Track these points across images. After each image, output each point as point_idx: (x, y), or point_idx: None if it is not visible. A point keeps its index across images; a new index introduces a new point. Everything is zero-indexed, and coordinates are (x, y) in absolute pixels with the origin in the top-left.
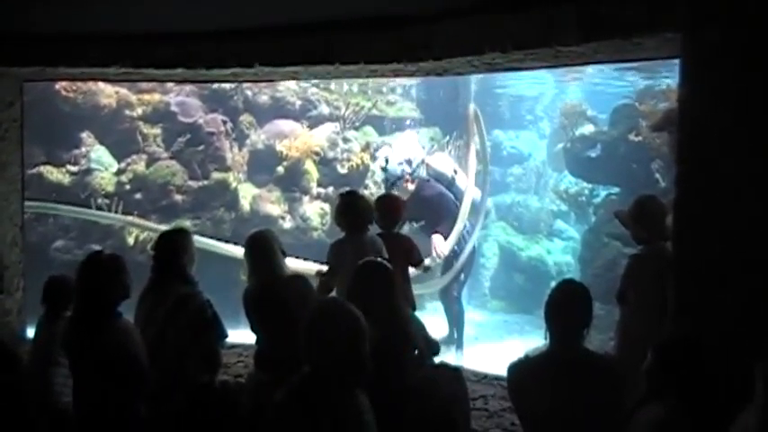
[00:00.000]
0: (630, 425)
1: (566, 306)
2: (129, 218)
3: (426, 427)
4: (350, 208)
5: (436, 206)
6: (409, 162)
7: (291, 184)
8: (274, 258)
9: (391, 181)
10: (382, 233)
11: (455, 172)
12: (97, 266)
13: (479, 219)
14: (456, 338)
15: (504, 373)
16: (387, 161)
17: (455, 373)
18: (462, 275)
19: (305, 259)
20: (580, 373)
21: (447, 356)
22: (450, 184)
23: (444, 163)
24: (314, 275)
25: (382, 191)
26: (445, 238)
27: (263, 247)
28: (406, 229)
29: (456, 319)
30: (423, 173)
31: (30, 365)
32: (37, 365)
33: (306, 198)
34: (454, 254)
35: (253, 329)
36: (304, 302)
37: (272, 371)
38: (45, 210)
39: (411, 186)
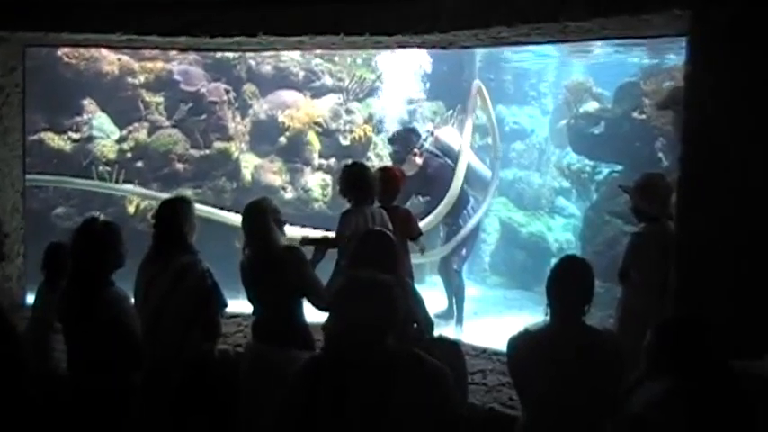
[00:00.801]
0: (628, 402)
1: (567, 281)
2: (131, 187)
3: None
4: (359, 179)
5: (442, 183)
6: (417, 134)
7: (293, 154)
8: (269, 228)
9: (399, 155)
10: (382, 206)
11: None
12: (91, 234)
13: (487, 197)
14: (455, 313)
15: (503, 348)
16: (393, 135)
17: (453, 346)
18: (464, 251)
19: (314, 228)
20: (580, 348)
21: (446, 331)
22: (457, 158)
23: (453, 137)
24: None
25: (384, 163)
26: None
27: (257, 217)
28: (409, 204)
29: (456, 294)
30: (431, 146)
31: (29, 332)
32: (36, 332)
33: (308, 169)
34: (457, 227)
35: (249, 299)
36: (298, 273)
37: (267, 341)
38: (51, 183)
39: (419, 160)
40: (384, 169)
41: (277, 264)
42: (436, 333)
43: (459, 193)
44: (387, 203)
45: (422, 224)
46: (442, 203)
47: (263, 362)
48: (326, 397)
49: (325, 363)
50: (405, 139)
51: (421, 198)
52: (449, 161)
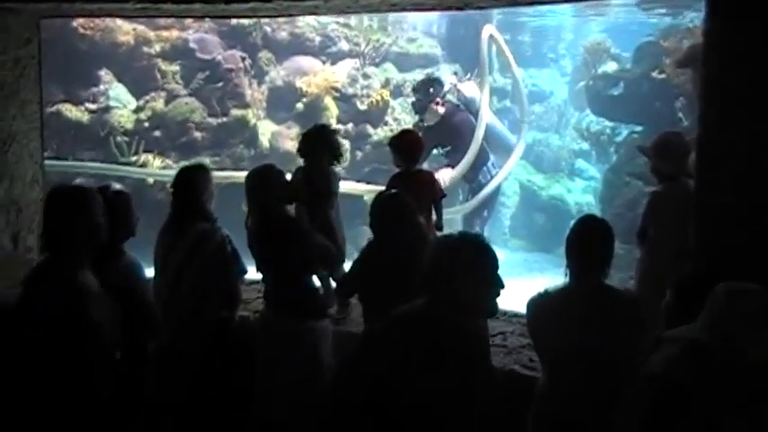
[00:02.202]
0: (646, 362)
1: (587, 241)
2: (151, 170)
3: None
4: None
5: (464, 134)
6: (440, 83)
7: (311, 120)
8: (270, 198)
9: (421, 103)
10: (404, 170)
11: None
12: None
13: (511, 159)
14: None
15: (523, 310)
16: (416, 84)
17: None
18: (486, 212)
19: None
20: (600, 308)
21: None
22: (477, 112)
23: (474, 91)
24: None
25: (402, 126)
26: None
27: (258, 185)
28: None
29: None
30: (453, 98)
31: None
32: None
33: None
34: (479, 185)
35: (257, 269)
36: (299, 246)
37: (279, 311)
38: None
39: (441, 109)
40: (403, 134)
41: (277, 236)
42: None
43: (479, 150)
44: (409, 167)
45: (448, 177)
46: (466, 158)
47: (275, 332)
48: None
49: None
50: (427, 88)
51: (441, 150)
52: (470, 115)
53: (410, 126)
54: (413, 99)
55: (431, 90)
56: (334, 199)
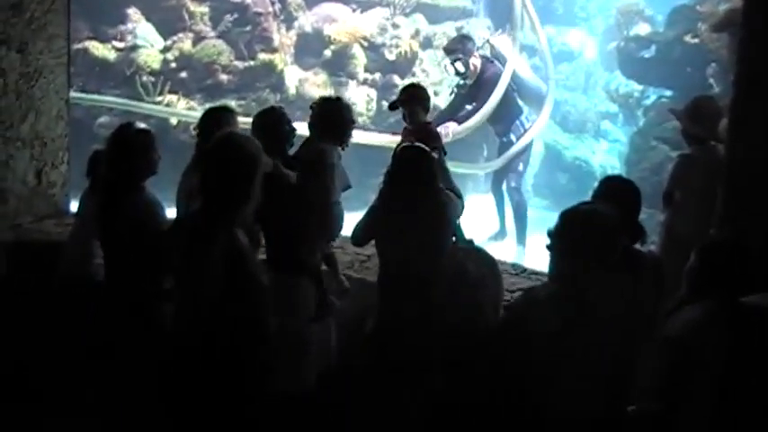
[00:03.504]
0: (667, 324)
1: (612, 199)
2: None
3: (452, 311)
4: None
5: (495, 89)
6: (472, 39)
7: (338, 68)
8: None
9: (463, 60)
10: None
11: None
12: (124, 140)
13: (543, 112)
14: (516, 232)
15: (542, 268)
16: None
17: (486, 258)
18: (521, 166)
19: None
20: (623, 267)
21: (505, 250)
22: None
23: (507, 45)
24: None
25: (429, 79)
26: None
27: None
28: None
29: (516, 211)
30: (487, 53)
31: (72, 239)
32: (78, 239)
33: (352, 83)
34: (508, 140)
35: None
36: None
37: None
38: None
39: (476, 61)
40: (408, 86)
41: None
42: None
43: (509, 103)
44: (413, 119)
45: (451, 131)
46: (476, 116)
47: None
48: None
49: None
50: (465, 44)
51: (469, 107)
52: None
53: (447, 83)
54: (449, 60)
55: (468, 46)
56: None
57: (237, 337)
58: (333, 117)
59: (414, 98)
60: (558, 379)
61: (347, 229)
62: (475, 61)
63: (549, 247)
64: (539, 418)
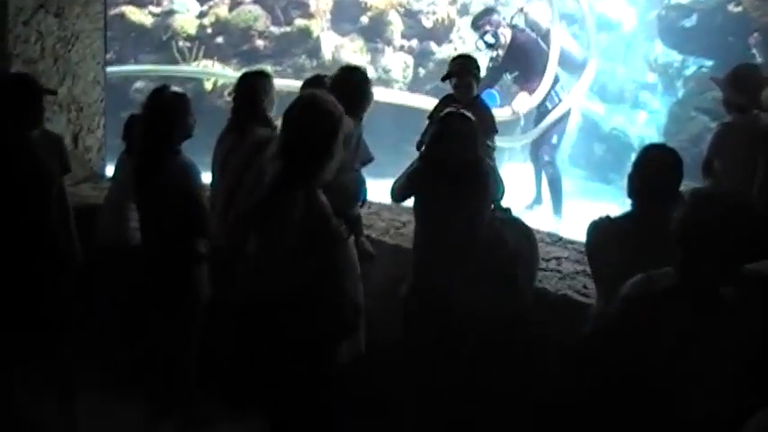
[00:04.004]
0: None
1: (653, 168)
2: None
3: (487, 278)
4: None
5: (531, 57)
6: (497, 10)
7: (375, 34)
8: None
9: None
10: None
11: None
12: (160, 103)
13: (581, 81)
14: (552, 204)
15: (578, 237)
16: (477, 19)
17: (523, 228)
18: (555, 138)
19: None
20: (662, 236)
21: (542, 220)
22: (544, 36)
23: (542, 14)
24: None
25: (466, 46)
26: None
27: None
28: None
29: (551, 185)
30: (521, 22)
31: (108, 203)
32: (114, 203)
33: (389, 50)
34: (545, 110)
35: None
36: None
37: None
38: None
39: (505, 31)
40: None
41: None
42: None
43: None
44: (465, 94)
45: (525, 105)
46: (543, 85)
47: None
48: None
49: None
50: (489, 18)
51: (508, 74)
52: (538, 38)
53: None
54: (478, 36)
55: (494, 18)
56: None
57: (320, 297)
58: (349, 87)
59: (466, 70)
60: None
61: (382, 195)
62: (504, 31)
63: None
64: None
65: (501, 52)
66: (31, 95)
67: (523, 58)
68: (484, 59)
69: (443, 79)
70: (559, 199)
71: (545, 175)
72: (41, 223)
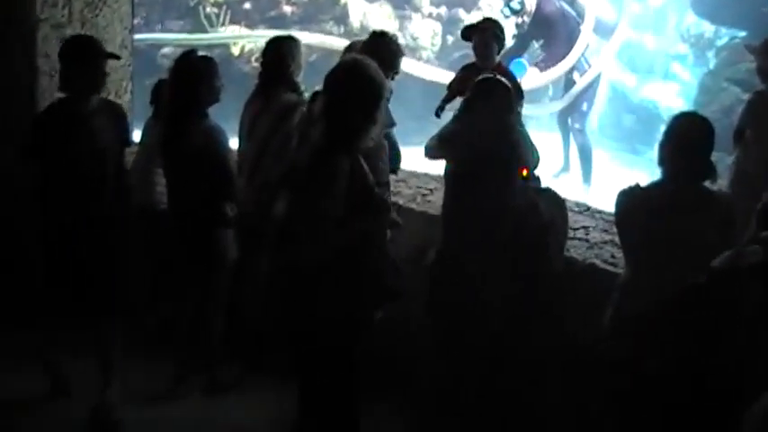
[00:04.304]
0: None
1: (685, 136)
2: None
3: (519, 247)
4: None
5: (557, 23)
6: None
7: (403, 1)
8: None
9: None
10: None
11: None
12: (187, 67)
13: (610, 44)
14: (582, 173)
15: (606, 207)
16: None
17: (556, 198)
18: (585, 105)
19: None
20: (693, 205)
21: (570, 188)
22: (571, 2)
23: None
24: None
25: (495, 14)
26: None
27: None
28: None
29: (581, 153)
30: None
31: (135, 165)
32: (142, 165)
33: (417, 17)
34: (573, 78)
35: None
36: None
37: None
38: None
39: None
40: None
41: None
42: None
43: (573, 37)
44: (486, 60)
45: (533, 81)
46: (562, 63)
47: None
48: None
49: None
50: None
51: (535, 42)
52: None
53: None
54: (504, 4)
55: None
56: None
57: (365, 263)
58: (380, 53)
59: (488, 32)
60: None
61: (409, 163)
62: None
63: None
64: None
65: (527, 19)
66: (92, 57)
67: (549, 26)
68: (510, 27)
69: (463, 36)
70: (589, 167)
71: (575, 143)
72: (96, 197)
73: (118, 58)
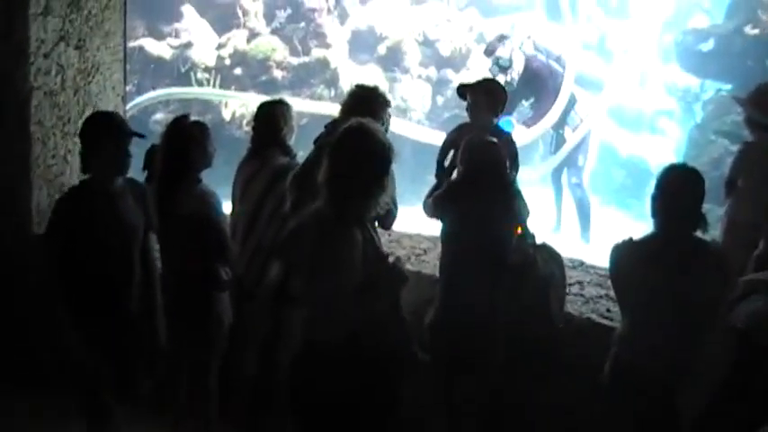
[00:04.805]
0: (733, 314)
1: (676, 188)
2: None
3: (520, 306)
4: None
5: (546, 80)
6: (507, 36)
7: (392, 63)
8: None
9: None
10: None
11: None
12: (179, 131)
13: (601, 98)
14: (580, 227)
15: (599, 263)
16: (489, 48)
17: (554, 254)
18: (580, 159)
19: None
20: (685, 258)
21: (568, 243)
22: (557, 59)
23: (550, 39)
24: None
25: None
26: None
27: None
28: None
29: (579, 208)
30: (530, 48)
31: None
32: None
33: (406, 77)
34: (564, 134)
35: None
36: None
37: None
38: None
39: (518, 54)
40: (487, 80)
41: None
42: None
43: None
44: (485, 120)
45: (520, 140)
46: (545, 119)
47: None
48: None
49: None
50: (501, 43)
51: (525, 102)
52: (551, 62)
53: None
54: (491, 62)
55: (505, 42)
56: None
57: (381, 331)
58: (366, 105)
59: (482, 90)
60: None
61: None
62: (517, 55)
63: None
64: None
65: (515, 76)
66: (116, 137)
67: (538, 84)
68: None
69: (459, 94)
70: (587, 221)
71: (572, 198)
72: (122, 281)
73: (143, 136)
